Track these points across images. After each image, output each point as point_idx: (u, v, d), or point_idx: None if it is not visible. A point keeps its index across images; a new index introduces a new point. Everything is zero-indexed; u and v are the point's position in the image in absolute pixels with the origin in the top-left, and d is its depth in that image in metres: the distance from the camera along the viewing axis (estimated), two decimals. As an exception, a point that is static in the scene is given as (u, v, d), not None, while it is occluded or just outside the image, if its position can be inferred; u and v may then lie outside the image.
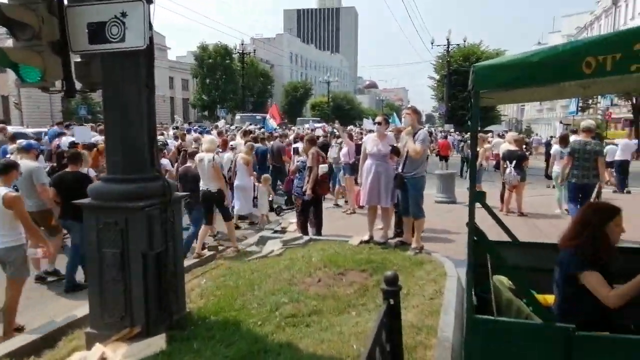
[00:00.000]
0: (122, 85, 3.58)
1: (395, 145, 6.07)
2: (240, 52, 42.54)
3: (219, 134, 14.14)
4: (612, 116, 33.30)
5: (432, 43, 36.33)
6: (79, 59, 3.68)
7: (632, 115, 31.42)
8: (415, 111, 6.14)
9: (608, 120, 31.96)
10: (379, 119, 6.44)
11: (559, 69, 1.88)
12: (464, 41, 38.91)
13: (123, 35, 3.41)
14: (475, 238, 2.39)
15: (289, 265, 5.51)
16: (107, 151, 3.72)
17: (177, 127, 17.85)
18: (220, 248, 7.14)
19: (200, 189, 6.73)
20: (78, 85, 3.77)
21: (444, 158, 19.32)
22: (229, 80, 47.29)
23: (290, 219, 9.20)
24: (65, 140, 10.26)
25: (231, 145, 10.40)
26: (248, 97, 50.34)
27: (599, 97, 32.01)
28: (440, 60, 39.88)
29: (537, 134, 61.50)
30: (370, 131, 25.65)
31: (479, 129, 34.18)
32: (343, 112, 67.31)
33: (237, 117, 36.96)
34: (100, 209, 3.56)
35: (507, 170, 8.98)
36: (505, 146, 9.46)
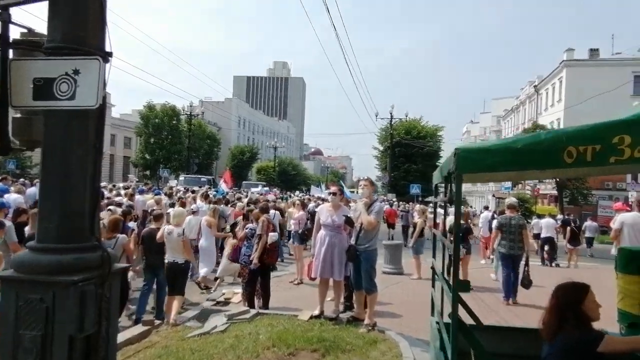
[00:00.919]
0: (66, 146, 3.28)
1: (349, 215, 6.00)
2: (189, 113, 42.45)
3: (169, 195, 13.68)
4: (540, 192, 35.82)
5: (376, 115, 38.28)
6: (18, 115, 3.39)
7: (556, 192, 33.98)
8: (372, 183, 6.19)
9: (536, 196, 34.27)
10: (333, 189, 6.40)
11: (541, 157, 1.90)
12: (406, 116, 41.35)
13: (73, 93, 3.17)
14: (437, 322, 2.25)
15: (234, 344, 5.07)
16: (40, 217, 3.33)
17: (127, 187, 17.20)
18: (157, 322, 6.52)
19: (166, 260, 6.70)
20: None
21: (391, 226, 19.80)
22: (174, 141, 46.61)
23: (235, 289, 8.71)
24: (9, 198, 9.53)
25: (192, 209, 10.65)
26: (193, 158, 49.65)
27: (527, 174, 34.54)
28: (384, 132, 41.78)
29: (471, 206, 64.76)
30: (320, 198, 25.77)
31: (419, 199, 35.55)
32: (288, 177, 67.91)
33: (181, 178, 36.13)
34: (22, 282, 3.10)
35: (454, 243, 9.14)
36: (451, 219, 9.70)
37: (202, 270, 9.05)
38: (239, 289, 8.62)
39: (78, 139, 3.28)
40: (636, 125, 1.79)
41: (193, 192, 17.21)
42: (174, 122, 47.22)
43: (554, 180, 33.45)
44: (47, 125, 3.26)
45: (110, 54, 3.54)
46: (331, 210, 6.10)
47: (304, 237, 9.93)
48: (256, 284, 7.15)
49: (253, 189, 34.29)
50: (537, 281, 8.42)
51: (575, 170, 2.07)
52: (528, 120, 48.55)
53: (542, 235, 14.30)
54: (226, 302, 8.18)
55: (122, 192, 13.72)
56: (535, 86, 47.41)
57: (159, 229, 7.01)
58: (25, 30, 3.55)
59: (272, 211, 11.64)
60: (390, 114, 38.21)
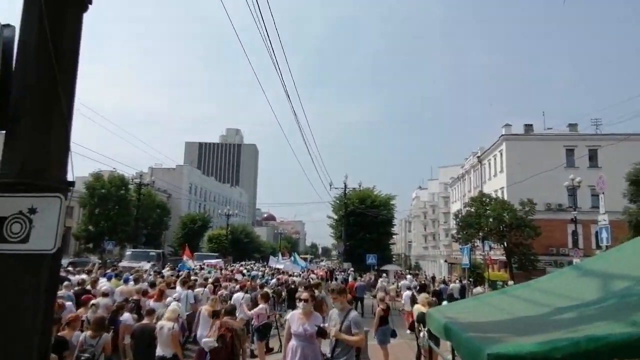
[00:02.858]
0: (12, 292, 2.85)
1: (321, 325, 5.63)
2: (138, 182, 41.08)
3: (135, 280, 13.13)
4: (492, 258, 36.73)
5: (330, 185, 38.61)
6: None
7: (505, 257, 35.03)
8: (340, 293, 5.76)
9: (488, 263, 35.05)
10: (304, 295, 6.01)
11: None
12: (359, 185, 42.06)
13: (27, 235, 2.81)
14: None
15: None
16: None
17: (90, 271, 16.43)
18: None
19: (157, 354, 6.96)
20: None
21: (354, 298, 19.37)
22: (122, 212, 44.37)
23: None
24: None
25: (175, 297, 10.47)
26: (142, 228, 47.44)
27: (478, 241, 35.60)
28: (338, 202, 42.03)
29: (423, 272, 65.09)
30: (277, 269, 25.09)
31: (375, 269, 35.31)
32: (241, 245, 66.13)
33: (128, 252, 34.05)
34: None
35: (422, 334, 8.87)
36: (418, 308, 9.51)
37: None
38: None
39: (27, 285, 2.86)
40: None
41: (162, 276, 16.50)
42: (121, 191, 45.29)
43: (502, 246, 34.59)
44: (-7, 271, 2.84)
45: (72, 184, 3.23)
46: (302, 318, 5.71)
47: (262, 332, 9.29)
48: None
49: (206, 261, 32.82)
50: None
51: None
52: (474, 188, 50.84)
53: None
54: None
55: (84, 276, 13.29)
56: (478, 157, 50.22)
57: (150, 323, 7.43)
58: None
59: (240, 293, 11.36)
60: (345, 183, 38.78)
